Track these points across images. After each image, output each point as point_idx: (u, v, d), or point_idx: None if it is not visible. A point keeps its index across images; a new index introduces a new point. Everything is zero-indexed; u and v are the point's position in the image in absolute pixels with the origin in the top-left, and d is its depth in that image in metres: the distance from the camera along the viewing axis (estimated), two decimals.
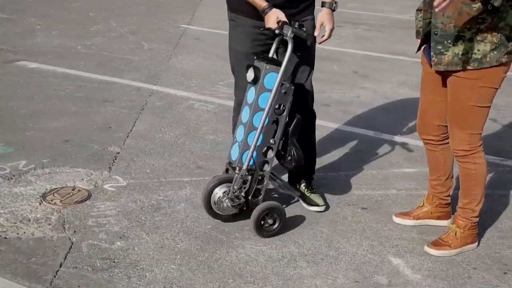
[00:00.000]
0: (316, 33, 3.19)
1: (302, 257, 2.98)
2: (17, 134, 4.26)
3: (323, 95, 5.43)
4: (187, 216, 3.30)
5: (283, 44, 3.09)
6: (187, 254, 2.94)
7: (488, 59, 2.79)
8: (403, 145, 4.55)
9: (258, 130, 3.04)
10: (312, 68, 3.32)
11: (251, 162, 3.08)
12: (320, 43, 3.23)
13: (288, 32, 2.95)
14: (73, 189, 3.50)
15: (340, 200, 3.61)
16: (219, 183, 3.17)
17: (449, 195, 3.33)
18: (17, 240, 2.95)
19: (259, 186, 3.16)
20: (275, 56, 3.17)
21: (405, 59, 6.87)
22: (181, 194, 3.55)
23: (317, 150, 3.62)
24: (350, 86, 6.08)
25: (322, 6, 3.20)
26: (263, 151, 3.13)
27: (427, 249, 3.10)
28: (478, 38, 2.77)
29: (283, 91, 3.05)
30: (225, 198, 3.12)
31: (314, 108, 3.43)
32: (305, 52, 3.22)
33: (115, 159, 3.97)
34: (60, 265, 2.77)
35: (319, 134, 3.53)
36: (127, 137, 4.35)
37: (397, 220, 3.39)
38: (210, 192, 3.16)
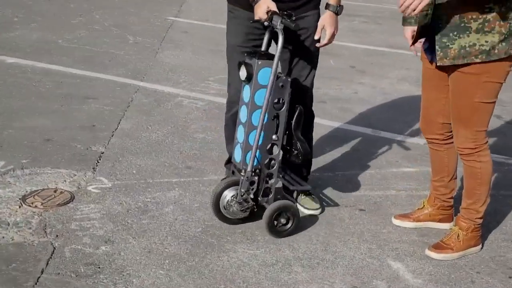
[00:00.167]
0: (316, 37, 3.19)
1: (297, 262, 3.00)
2: None
3: (319, 91, 5.45)
4: (175, 219, 3.31)
5: (276, 36, 3.09)
6: (176, 258, 2.95)
7: (496, 51, 2.81)
8: (403, 144, 4.58)
9: (258, 129, 3.06)
10: (313, 66, 3.32)
11: (255, 163, 3.10)
12: (318, 47, 3.25)
13: (278, 23, 2.95)
14: (55, 191, 3.50)
15: (336, 201, 3.63)
16: (228, 186, 3.20)
17: (452, 197, 3.35)
18: None
19: (268, 185, 3.19)
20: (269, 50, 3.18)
21: (405, 53, 6.90)
22: (169, 195, 3.56)
23: (313, 149, 3.64)
24: (347, 81, 6.11)
25: (326, 8, 3.20)
26: (267, 148, 3.15)
27: (428, 252, 3.12)
28: (486, 29, 2.79)
29: (280, 84, 3.07)
30: (233, 202, 3.15)
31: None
32: (306, 48, 3.23)
33: (99, 159, 3.97)
34: (42, 272, 2.77)
35: (315, 132, 3.55)
36: (112, 136, 4.36)
37: (396, 222, 3.41)
38: (218, 196, 3.19)
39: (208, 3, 9.46)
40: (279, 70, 3.15)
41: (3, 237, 3.02)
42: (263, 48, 3.14)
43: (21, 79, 5.45)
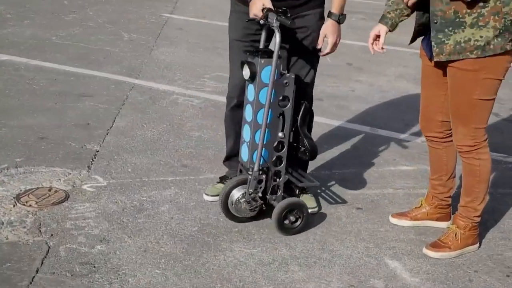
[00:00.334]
0: (318, 46, 3.22)
1: (294, 260, 3.02)
2: None
3: (315, 89, 5.39)
4: (171, 218, 3.32)
5: (273, 33, 3.11)
6: (172, 258, 2.97)
7: (492, 46, 2.82)
8: (400, 142, 4.60)
9: (263, 127, 3.08)
10: (312, 66, 3.33)
11: (261, 161, 3.13)
12: (320, 55, 3.27)
13: (273, 21, 2.96)
14: (49, 190, 3.51)
15: (333, 200, 3.65)
16: (236, 184, 3.22)
17: (449, 196, 3.37)
18: None
19: (276, 183, 3.22)
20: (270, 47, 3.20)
21: (403, 50, 6.92)
22: (165, 194, 3.58)
23: None
24: (344, 79, 6.13)
25: (328, 16, 3.22)
26: (274, 146, 3.17)
27: (426, 251, 3.14)
28: (480, 23, 2.80)
29: (284, 81, 3.09)
30: (242, 201, 3.17)
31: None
32: (305, 47, 3.24)
33: (94, 157, 3.98)
34: (37, 271, 2.78)
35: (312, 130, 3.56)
36: (107, 134, 4.37)
37: (394, 220, 3.43)
38: (227, 195, 3.21)
39: None
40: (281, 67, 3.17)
41: None
42: (261, 46, 3.15)
43: (15, 77, 5.45)
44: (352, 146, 4.51)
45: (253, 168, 3.13)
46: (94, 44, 6.69)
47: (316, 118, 3.43)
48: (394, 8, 3.04)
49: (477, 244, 3.21)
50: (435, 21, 2.86)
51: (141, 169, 3.86)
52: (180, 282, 2.79)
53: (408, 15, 3.06)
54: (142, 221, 3.26)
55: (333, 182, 3.87)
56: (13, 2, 8.42)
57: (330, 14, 3.21)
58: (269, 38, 3.19)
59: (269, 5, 3.01)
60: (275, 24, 2.95)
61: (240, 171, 3.32)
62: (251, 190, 3.15)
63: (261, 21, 3.03)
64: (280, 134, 3.17)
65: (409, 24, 3.19)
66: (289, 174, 3.29)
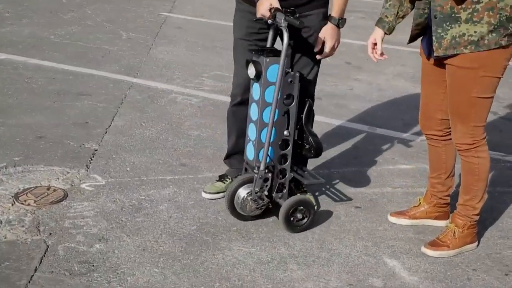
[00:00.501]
0: (315, 49, 3.22)
1: (293, 259, 3.02)
2: None
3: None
4: (170, 217, 3.32)
5: (280, 33, 3.11)
6: (170, 256, 2.97)
7: (486, 41, 2.83)
8: (399, 141, 4.60)
9: (270, 126, 3.09)
10: (314, 66, 3.33)
11: (267, 160, 3.14)
12: (317, 58, 3.27)
13: (281, 21, 2.96)
14: (48, 189, 3.51)
15: (332, 199, 3.66)
16: (242, 183, 3.23)
17: (448, 195, 3.38)
18: None
19: (282, 181, 3.23)
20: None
21: (402, 49, 6.92)
22: (163, 193, 3.58)
23: None
24: (343, 78, 6.13)
25: (328, 20, 3.22)
26: (280, 144, 3.19)
27: (424, 249, 3.15)
28: (475, 18, 2.81)
29: (289, 80, 3.10)
30: (248, 199, 3.18)
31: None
32: (307, 47, 3.24)
33: (93, 156, 3.98)
34: (35, 270, 2.78)
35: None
36: (105, 133, 4.36)
37: (392, 219, 3.43)
38: (233, 194, 3.22)
39: None
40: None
41: None
42: (268, 45, 3.16)
43: (13, 76, 5.44)
44: (351, 145, 4.51)
45: (259, 167, 3.14)
46: (92, 43, 6.68)
47: (315, 117, 3.43)
48: (392, 11, 3.04)
49: (476, 243, 3.22)
50: (435, 16, 2.88)
51: (139, 168, 3.86)
52: (178, 281, 2.79)
53: (403, 17, 3.07)
54: (140, 220, 3.26)
55: (332, 181, 3.87)
56: (12, 0, 8.40)
57: (330, 18, 3.21)
58: (275, 38, 3.19)
59: (277, 5, 3.01)
60: (283, 24, 2.96)
61: (245, 169, 3.33)
62: (257, 189, 3.16)
63: (269, 21, 3.04)
64: (285, 132, 3.18)
65: (407, 24, 3.20)
66: (294, 172, 3.31)
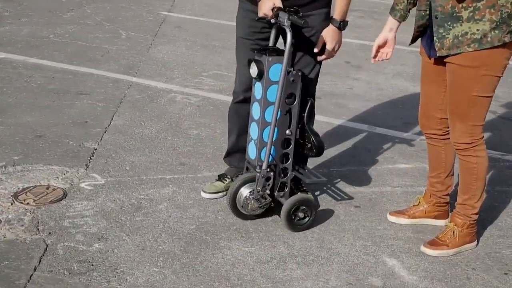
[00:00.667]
0: (315, 50, 3.20)
1: (292, 259, 3.02)
2: None
3: None
4: (169, 216, 3.32)
5: (283, 32, 3.10)
6: (170, 256, 2.97)
7: (489, 39, 2.83)
8: (398, 140, 4.60)
9: (272, 125, 3.09)
10: (315, 66, 3.33)
11: (270, 159, 3.14)
12: (318, 59, 3.27)
13: (285, 20, 2.96)
14: (47, 188, 3.51)
15: (331, 198, 3.65)
16: (244, 182, 3.23)
17: (447, 194, 3.37)
18: None
19: (283, 180, 3.23)
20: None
21: (401, 48, 6.89)
22: (163, 192, 3.57)
23: None
24: (342, 77, 6.13)
25: (330, 22, 3.21)
26: (281, 143, 3.19)
27: (424, 249, 3.15)
28: (476, 17, 2.81)
29: (291, 79, 3.10)
30: (251, 198, 3.18)
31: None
32: (308, 47, 3.24)
33: (92, 155, 3.97)
34: (35, 269, 2.78)
35: None
36: (105, 132, 4.36)
37: (392, 218, 3.43)
38: (235, 193, 3.22)
39: None
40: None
41: None
42: (270, 44, 3.16)
43: (12, 75, 5.44)
44: (351, 144, 4.51)
45: (261, 166, 3.14)
46: (91, 42, 6.68)
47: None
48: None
49: (475, 242, 3.22)
50: (436, 16, 2.88)
51: (139, 167, 3.86)
52: (178, 280, 2.79)
53: (415, 3, 3.06)
54: (140, 219, 3.26)
55: (331, 180, 3.87)
56: None
57: (331, 20, 3.19)
58: (277, 37, 3.19)
59: (279, 4, 3.01)
60: (286, 23, 2.95)
61: (247, 168, 3.33)
62: (259, 188, 3.16)
63: (272, 20, 3.03)
64: (287, 131, 3.19)
65: (407, 23, 3.20)
66: (296, 171, 3.31)
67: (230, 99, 3.56)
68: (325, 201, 3.61)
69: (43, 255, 2.88)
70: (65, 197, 3.43)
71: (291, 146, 3.22)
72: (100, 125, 4.46)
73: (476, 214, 3.15)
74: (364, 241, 3.22)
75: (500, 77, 2.96)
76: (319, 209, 3.49)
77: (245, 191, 3.23)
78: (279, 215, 3.22)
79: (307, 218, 3.23)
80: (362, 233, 3.30)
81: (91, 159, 3.92)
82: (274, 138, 3.14)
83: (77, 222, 3.19)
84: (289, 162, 3.23)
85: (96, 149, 4.07)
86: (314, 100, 3.35)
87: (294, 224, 3.21)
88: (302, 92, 3.20)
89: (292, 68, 3.16)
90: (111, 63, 5.99)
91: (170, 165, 3.93)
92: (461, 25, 2.83)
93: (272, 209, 3.31)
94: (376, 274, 2.94)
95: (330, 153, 4.28)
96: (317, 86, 3.49)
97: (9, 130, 4.27)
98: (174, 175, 3.80)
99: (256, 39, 3.25)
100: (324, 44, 3.24)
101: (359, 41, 7.33)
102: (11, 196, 3.39)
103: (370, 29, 8.18)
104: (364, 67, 6.51)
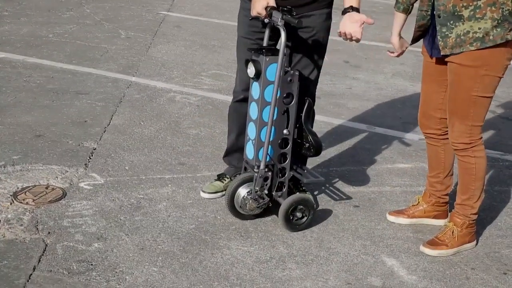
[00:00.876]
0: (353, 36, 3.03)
1: (291, 258, 3.02)
2: None
3: None
4: (169, 216, 3.32)
5: (276, 32, 3.09)
6: (169, 255, 2.96)
7: (491, 37, 2.83)
8: (397, 139, 4.60)
9: (269, 125, 3.09)
10: (315, 67, 3.32)
11: (267, 159, 3.14)
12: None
13: (278, 20, 2.95)
14: (46, 188, 3.51)
15: (331, 198, 3.65)
16: (242, 182, 3.23)
17: (447, 194, 3.38)
18: None
19: (281, 179, 3.24)
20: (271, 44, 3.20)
21: None
22: (162, 192, 3.57)
23: None
24: (341, 77, 6.13)
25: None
26: (279, 143, 3.19)
27: (423, 248, 3.15)
28: (477, 15, 2.82)
29: (288, 78, 3.10)
30: (249, 198, 3.19)
31: None
32: (309, 47, 3.24)
33: (92, 155, 3.97)
34: (34, 269, 2.78)
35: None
36: (104, 131, 4.36)
37: (391, 218, 3.43)
38: (233, 193, 3.23)
39: None
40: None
41: None
42: (264, 44, 3.15)
43: (11, 74, 5.43)
44: (350, 144, 4.51)
45: (259, 166, 3.14)
46: (91, 41, 6.68)
47: None
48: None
49: (474, 242, 3.22)
50: (439, 15, 2.88)
51: (138, 167, 3.86)
52: (177, 279, 2.78)
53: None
54: (139, 219, 3.26)
55: (330, 180, 3.87)
56: None
57: (351, 8, 3.03)
58: (272, 37, 3.18)
59: (273, 3, 3.00)
60: (279, 23, 2.94)
61: (245, 168, 3.33)
62: (257, 188, 3.16)
63: (265, 20, 3.03)
64: (285, 131, 3.18)
65: (407, 23, 3.21)
66: (293, 171, 3.31)
67: (229, 98, 3.56)
68: (324, 201, 3.61)
69: (43, 254, 2.88)
70: (64, 197, 3.42)
71: (289, 146, 3.22)
72: (99, 125, 4.46)
73: (475, 214, 3.15)
74: (363, 241, 3.21)
75: (500, 77, 2.96)
76: (318, 208, 3.50)
77: (243, 191, 3.23)
78: (278, 215, 3.22)
79: (305, 218, 3.23)
80: (361, 232, 3.30)
81: (90, 158, 3.92)
82: (271, 138, 3.14)
83: (76, 222, 3.19)
84: (287, 162, 3.23)
85: (95, 148, 4.07)
86: (314, 101, 3.35)
87: (292, 224, 3.21)
88: (302, 92, 3.20)
89: (289, 68, 3.16)
90: (110, 62, 5.99)
91: (170, 165, 3.93)
92: (462, 24, 2.84)
93: (270, 209, 3.31)
94: (375, 273, 2.94)
95: (329, 153, 4.28)
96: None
97: (8, 129, 4.26)
98: (173, 174, 3.80)
99: (256, 38, 3.25)
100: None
101: None
102: (11, 195, 3.39)
103: (369, 28, 8.16)
104: (363, 67, 6.51)
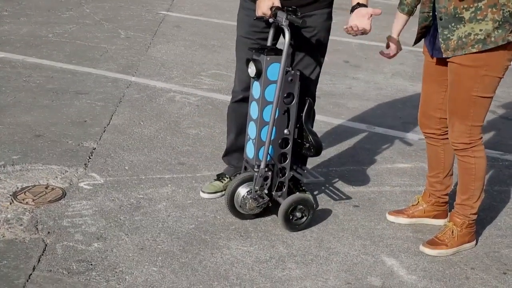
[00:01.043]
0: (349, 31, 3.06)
1: (291, 258, 3.02)
2: None
3: None
4: (168, 216, 3.32)
5: (281, 31, 3.09)
6: (169, 255, 2.97)
7: (493, 38, 2.83)
8: (397, 139, 4.60)
9: (270, 124, 3.10)
10: (316, 67, 3.33)
11: (268, 158, 3.15)
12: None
13: (283, 20, 2.96)
14: (46, 188, 3.51)
15: (330, 197, 3.66)
16: (242, 182, 3.24)
17: (447, 194, 3.38)
18: None
19: (281, 179, 3.24)
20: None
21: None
22: (162, 192, 3.57)
23: None
24: (341, 76, 6.13)
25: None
26: (279, 143, 3.19)
27: (423, 248, 3.15)
28: (478, 17, 2.82)
29: (289, 78, 3.11)
30: (249, 198, 3.19)
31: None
32: (310, 47, 3.24)
33: (91, 155, 3.97)
34: (33, 269, 2.78)
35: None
36: (104, 131, 4.36)
37: (391, 218, 3.43)
38: (233, 192, 3.23)
39: None
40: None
41: None
42: (268, 44, 3.16)
43: (11, 74, 5.43)
44: (349, 143, 4.51)
45: (259, 165, 3.14)
46: (90, 41, 6.68)
47: None
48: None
49: (474, 242, 3.22)
50: (440, 17, 2.89)
51: (138, 167, 3.86)
52: (177, 279, 2.79)
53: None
54: (139, 219, 3.26)
55: (330, 180, 3.87)
56: None
57: (358, 5, 3.05)
58: (276, 37, 3.19)
59: (278, 3, 3.00)
60: (284, 22, 2.95)
61: (245, 168, 3.33)
62: (257, 187, 3.16)
63: (270, 20, 3.03)
64: (285, 131, 3.19)
65: (408, 23, 3.21)
66: (293, 171, 3.31)
67: (229, 98, 3.56)
68: (324, 201, 3.61)
69: (42, 254, 2.88)
70: (64, 197, 3.42)
71: (289, 146, 3.22)
72: (99, 125, 4.46)
73: (475, 214, 3.15)
74: (363, 241, 3.22)
75: (501, 78, 2.96)
76: (318, 208, 3.50)
77: (243, 191, 3.23)
78: (277, 215, 3.22)
79: (305, 218, 3.23)
80: (361, 232, 3.30)
81: (90, 158, 3.92)
82: (272, 138, 3.14)
83: (76, 222, 3.19)
84: (287, 161, 3.24)
85: (95, 148, 4.07)
86: (315, 101, 3.36)
87: (292, 223, 3.21)
88: (303, 92, 3.20)
89: (290, 68, 3.16)
90: (110, 62, 5.99)
91: (169, 165, 3.93)
92: (464, 26, 2.84)
93: (270, 208, 3.31)
94: (375, 273, 2.94)
95: (329, 152, 4.28)
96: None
97: (8, 129, 4.26)
98: (173, 174, 3.80)
99: (257, 38, 3.25)
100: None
101: (358, 40, 7.32)
102: (10, 195, 3.39)
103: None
104: (363, 67, 6.52)
